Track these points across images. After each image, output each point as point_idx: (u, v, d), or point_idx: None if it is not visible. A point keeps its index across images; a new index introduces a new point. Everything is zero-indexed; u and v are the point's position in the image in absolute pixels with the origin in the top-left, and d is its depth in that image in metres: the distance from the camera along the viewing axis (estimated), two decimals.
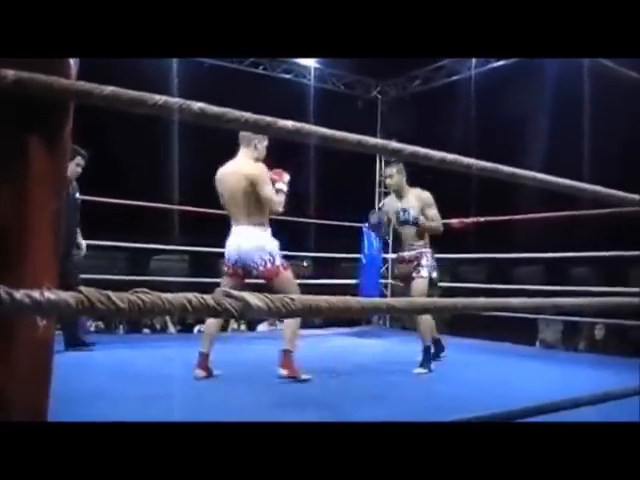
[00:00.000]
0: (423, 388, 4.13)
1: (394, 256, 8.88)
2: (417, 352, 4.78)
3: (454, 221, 7.37)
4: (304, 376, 4.02)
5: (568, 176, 1.94)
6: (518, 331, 7.85)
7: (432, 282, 4.89)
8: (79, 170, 5.22)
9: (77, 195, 5.29)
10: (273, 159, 4.27)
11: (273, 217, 4.23)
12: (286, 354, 4.05)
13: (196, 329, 9.18)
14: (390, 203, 5.05)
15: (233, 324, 9.16)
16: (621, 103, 8.09)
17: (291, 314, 1.09)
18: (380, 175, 9.01)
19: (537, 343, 8.72)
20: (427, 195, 4.90)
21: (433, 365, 4.72)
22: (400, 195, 4.93)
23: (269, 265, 4.04)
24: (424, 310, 1.29)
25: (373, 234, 5.21)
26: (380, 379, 4.40)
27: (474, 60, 7.66)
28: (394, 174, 4.88)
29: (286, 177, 4.23)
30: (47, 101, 1.04)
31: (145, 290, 0.97)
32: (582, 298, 2.10)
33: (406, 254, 4.96)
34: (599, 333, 8.04)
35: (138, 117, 1.18)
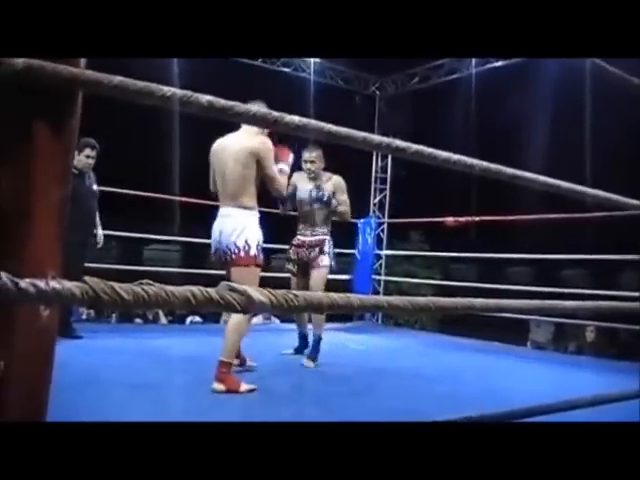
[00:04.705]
0: (413, 386, 4.13)
1: (389, 252, 8.95)
2: (401, 348, 4.79)
3: (449, 219, 7.39)
4: (245, 387, 3.52)
5: (565, 177, 1.94)
6: (509, 331, 7.90)
7: (330, 271, 4.83)
8: (90, 162, 5.22)
9: (94, 187, 5.32)
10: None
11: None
12: (221, 365, 3.54)
13: (188, 320, 9.17)
14: (300, 180, 4.83)
15: (225, 316, 9.16)
16: (620, 106, 8.12)
17: (294, 309, 1.09)
18: (376, 171, 9.00)
19: (528, 343, 8.76)
20: (339, 179, 4.81)
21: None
22: (315, 178, 4.79)
23: (242, 253, 3.62)
24: (425, 310, 1.29)
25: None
26: (369, 376, 4.40)
27: (473, 59, 7.66)
28: (316, 160, 4.73)
29: (290, 157, 4.01)
30: (55, 89, 1.03)
31: (149, 282, 0.97)
32: (578, 302, 2.11)
33: (307, 239, 4.80)
34: (590, 335, 8.09)
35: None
